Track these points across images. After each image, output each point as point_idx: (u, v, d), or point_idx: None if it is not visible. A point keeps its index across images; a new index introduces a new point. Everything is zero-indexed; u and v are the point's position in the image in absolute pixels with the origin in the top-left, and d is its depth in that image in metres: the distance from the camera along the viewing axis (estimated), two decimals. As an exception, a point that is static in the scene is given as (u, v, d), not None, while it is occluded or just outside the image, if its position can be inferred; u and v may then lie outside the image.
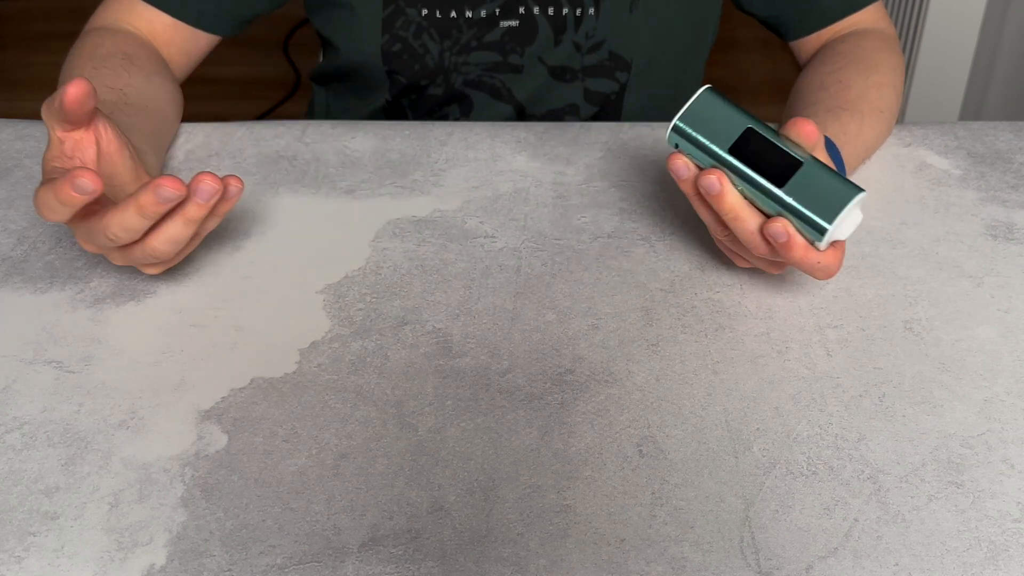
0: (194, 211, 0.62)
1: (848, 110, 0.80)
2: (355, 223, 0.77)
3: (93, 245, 0.64)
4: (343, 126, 0.89)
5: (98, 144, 0.65)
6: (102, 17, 0.90)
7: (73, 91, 0.60)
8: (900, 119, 1.91)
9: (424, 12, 0.91)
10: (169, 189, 0.59)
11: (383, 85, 0.97)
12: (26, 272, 0.73)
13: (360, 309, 0.69)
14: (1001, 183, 0.83)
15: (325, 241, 0.75)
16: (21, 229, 0.77)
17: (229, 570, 0.52)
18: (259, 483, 0.57)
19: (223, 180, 0.62)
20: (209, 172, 0.61)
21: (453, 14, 0.91)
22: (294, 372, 0.64)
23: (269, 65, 2.67)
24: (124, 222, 0.60)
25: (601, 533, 0.54)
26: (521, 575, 0.52)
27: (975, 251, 0.75)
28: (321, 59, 1.09)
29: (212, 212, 0.64)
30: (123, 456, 0.58)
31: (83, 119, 0.63)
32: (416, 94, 0.97)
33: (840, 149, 0.75)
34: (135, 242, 0.63)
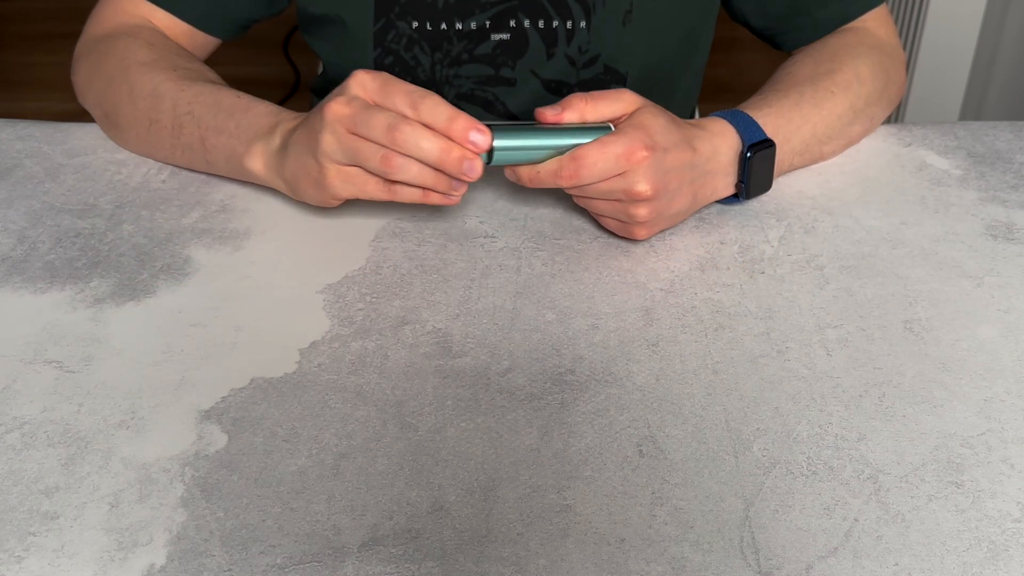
0: (453, 167, 0.66)
1: (782, 91, 0.82)
2: (355, 223, 0.77)
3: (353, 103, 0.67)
4: (343, 126, 0.89)
5: None
6: (121, 15, 0.89)
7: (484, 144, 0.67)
8: (900, 119, 1.91)
9: (414, 25, 0.91)
10: (480, 136, 0.66)
11: None
12: (26, 272, 0.73)
13: (360, 309, 0.69)
14: (1001, 183, 0.83)
15: (325, 241, 0.75)
16: (21, 229, 0.77)
17: (229, 570, 0.52)
18: (259, 483, 0.57)
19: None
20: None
21: (443, 26, 0.91)
22: (294, 372, 0.64)
23: (269, 65, 2.66)
24: (437, 107, 0.66)
25: (601, 533, 0.54)
26: (521, 575, 0.52)
27: (975, 251, 0.75)
28: (320, 71, 1.09)
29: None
30: (123, 456, 0.58)
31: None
32: None
33: (761, 118, 0.77)
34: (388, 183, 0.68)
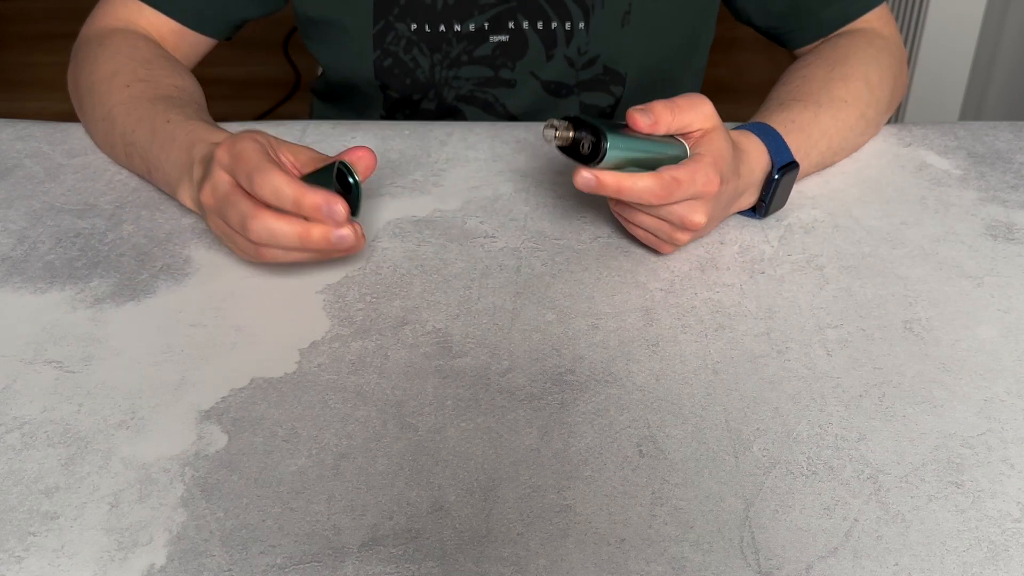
0: (319, 245, 0.64)
1: (801, 101, 0.81)
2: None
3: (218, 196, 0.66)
4: (343, 126, 0.89)
5: None
6: (109, 18, 0.90)
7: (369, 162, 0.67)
8: (900, 119, 1.91)
9: (413, 27, 0.91)
10: (340, 213, 0.62)
11: (377, 100, 0.97)
12: (26, 272, 0.73)
13: (360, 309, 0.69)
14: (1001, 183, 0.83)
15: (325, 241, 0.75)
16: (21, 229, 0.77)
17: (229, 570, 0.52)
18: (259, 483, 0.57)
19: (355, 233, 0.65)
20: (356, 224, 0.64)
21: (442, 28, 0.91)
22: (294, 372, 0.64)
23: (269, 65, 2.66)
24: (280, 190, 0.62)
25: (601, 533, 0.54)
26: (521, 575, 0.52)
27: (975, 251, 0.75)
28: (320, 72, 1.09)
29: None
30: (123, 456, 0.58)
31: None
32: (410, 109, 0.97)
33: (786, 135, 0.76)
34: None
